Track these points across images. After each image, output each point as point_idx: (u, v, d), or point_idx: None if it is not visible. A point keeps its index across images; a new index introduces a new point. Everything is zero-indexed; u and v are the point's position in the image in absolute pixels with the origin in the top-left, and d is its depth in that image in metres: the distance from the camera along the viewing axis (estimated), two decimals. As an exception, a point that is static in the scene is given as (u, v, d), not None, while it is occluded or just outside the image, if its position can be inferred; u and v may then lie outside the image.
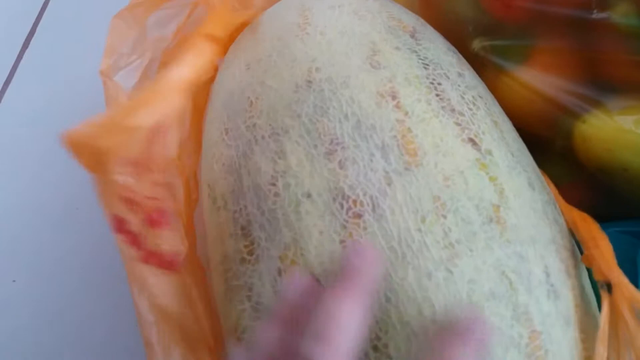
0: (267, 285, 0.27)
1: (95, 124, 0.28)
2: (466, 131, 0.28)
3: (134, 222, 0.30)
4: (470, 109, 0.29)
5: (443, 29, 0.36)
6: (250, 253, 0.29)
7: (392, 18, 0.33)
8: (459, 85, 0.30)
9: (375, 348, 0.25)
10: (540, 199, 0.28)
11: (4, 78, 0.56)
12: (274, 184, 0.28)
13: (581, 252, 0.29)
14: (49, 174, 0.49)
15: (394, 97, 0.29)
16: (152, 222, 0.30)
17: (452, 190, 0.26)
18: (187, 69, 0.31)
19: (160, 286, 0.30)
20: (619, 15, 0.30)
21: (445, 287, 0.24)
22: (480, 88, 0.32)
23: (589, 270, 0.28)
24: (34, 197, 0.50)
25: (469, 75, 0.32)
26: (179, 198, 0.36)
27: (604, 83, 0.32)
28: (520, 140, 0.31)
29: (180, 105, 0.31)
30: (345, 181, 0.27)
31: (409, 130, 0.28)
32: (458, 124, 0.28)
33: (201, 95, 0.37)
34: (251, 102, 0.31)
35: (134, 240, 0.30)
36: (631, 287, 0.26)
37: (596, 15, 0.30)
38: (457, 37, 0.35)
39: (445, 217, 0.26)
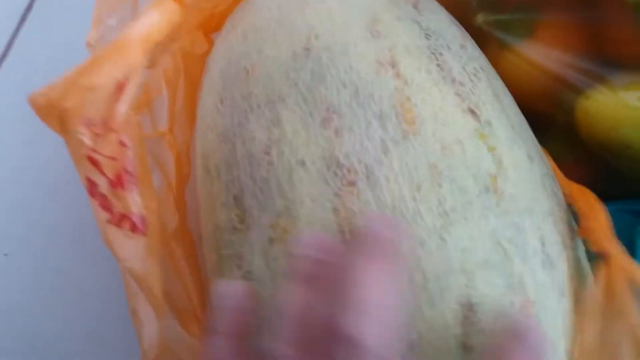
0: (257, 254, 0.27)
1: (58, 85, 0.28)
2: (466, 101, 0.28)
3: (102, 184, 0.29)
4: (472, 80, 0.29)
5: (446, 3, 0.35)
6: (242, 222, 0.28)
7: (394, -12, 0.32)
8: (460, 57, 0.30)
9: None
10: (539, 172, 0.28)
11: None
12: (267, 153, 0.28)
13: (578, 225, 0.28)
14: (40, 148, 0.49)
15: (393, 66, 0.28)
16: (114, 183, 0.29)
17: (450, 159, 0.26)
18: (145, 26, 0.30)
19: (130, 249, 0.29)
20: (626, -13, 0.29)
21: (438, 254, 0.24)
22: (483, 60, 0.31)
23: (585, 243, 0.28)
24: (25, 170, 0.49)
25: (472, 47, 0.31)
26: (169, 171, 0.35)
27: (609, 58, 0.31)
28: (521, 114, 0.31)
29: (138, 61, 0.30)
30: (340, 149, 0.26)
31: (408, 99, 0.27)
32: (458, 94, 0.28)
33: (195, 68, 0.37)
34: (247, 71, 0.31)
35: (104, 203, 0.29)
36: (627, 258, 0.25)
37: (602, -13, 0.29)
38: (461, 11, 0.35)
39: (440, 185, 0.25)
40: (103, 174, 0.28)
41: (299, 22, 0.30)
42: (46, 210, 0.48)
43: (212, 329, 0.24)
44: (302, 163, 0.27)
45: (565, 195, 0.29)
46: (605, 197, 0.30)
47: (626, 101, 0.30)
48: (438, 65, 0.28)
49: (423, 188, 0.25)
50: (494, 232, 0.25)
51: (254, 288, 0.25)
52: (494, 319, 0.24)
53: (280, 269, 0.26)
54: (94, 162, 0.28)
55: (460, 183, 0.25)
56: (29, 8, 0.57)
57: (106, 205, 0.28)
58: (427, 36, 0.30)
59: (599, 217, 0.27)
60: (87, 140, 0.28)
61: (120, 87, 0.29)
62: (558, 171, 0.30)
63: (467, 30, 0.34)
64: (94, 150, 0.28)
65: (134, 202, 0.29)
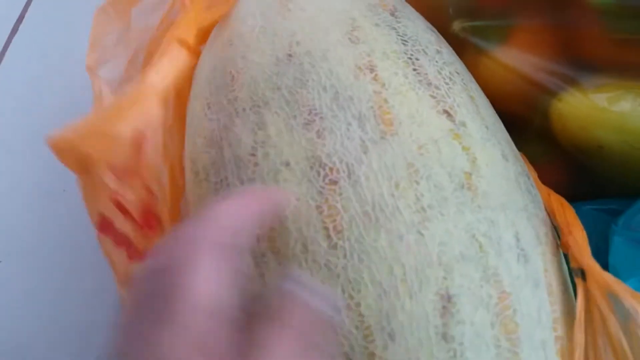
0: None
1: (78, 129, 0.30)
2: (441, 103, 0.29)
3: (121, 221, 0.31)
4: (447, 84, 0.30)
5: (424, 11, 0.36)
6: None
7: (373, -4, 0.33)
8: (436, 62, 0.31)
9: (347, 307, 0.25)
10: (513, 170, 0.29)
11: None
12: (253, 154, 0.29)
13: (559, 239, 0.29)
14: (35, 157, 0.49)
15: (371, 70, 0.29)
16: (140, 225, 0.31)
17: (426, 158, 0.27)
18: (162, 76, 0.33)
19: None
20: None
21: (416, 248, 0.25)
22: (458, 65, 0.32)
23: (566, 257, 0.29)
24: (20, 179, 0.50)
25: (447, 52, 0.33)
26: (163, 184, 0.36)
27: (581, 61, 0.32)
28: (496, 116, 0.32)
29: (158, 113, 0.33)
30: (322, 150, 0.27)
31: (386, 101, 0.28)
32: (434, 97, 0.29)
33: (184, 80, 0.38)
34: (233, 76, 0.32)
35: (121, 240, 0.31)
36: (603, 273, 0.26)
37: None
38: (438, 19, 0.36)
39: (418, 183, 0.26)
40: (125, 213, 0.30)
41: (282, 29, 0.32)
42: (40, 220, 0.48)
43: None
44: (287, 164, 0.28)
45: (545, 205, 0.30)
46: (580, 196, 0.31)
47: (596, 103, 0.32)
48: (414, 69, 0.30)
49: (401, 185, 0.26)
50: (470, 227, 0.26)
51: None
52: (473, 310, 0.25)
53: (268, 265, 0.27)
54: (116, 203, 0.31)
55: (436, 180, 0.26)
56: (20, 19, 0.58)
57: (123, 242, 0.30)
58: (404, 42, 0.31)
59: (575, 232, 0.28)
60: (112, 183, 0.30)
61: (139, 136, 0.31)
62: (537, 179, 0.31)
63: (444, 37, 0.35)
64: (118, 193, 0.30)
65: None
